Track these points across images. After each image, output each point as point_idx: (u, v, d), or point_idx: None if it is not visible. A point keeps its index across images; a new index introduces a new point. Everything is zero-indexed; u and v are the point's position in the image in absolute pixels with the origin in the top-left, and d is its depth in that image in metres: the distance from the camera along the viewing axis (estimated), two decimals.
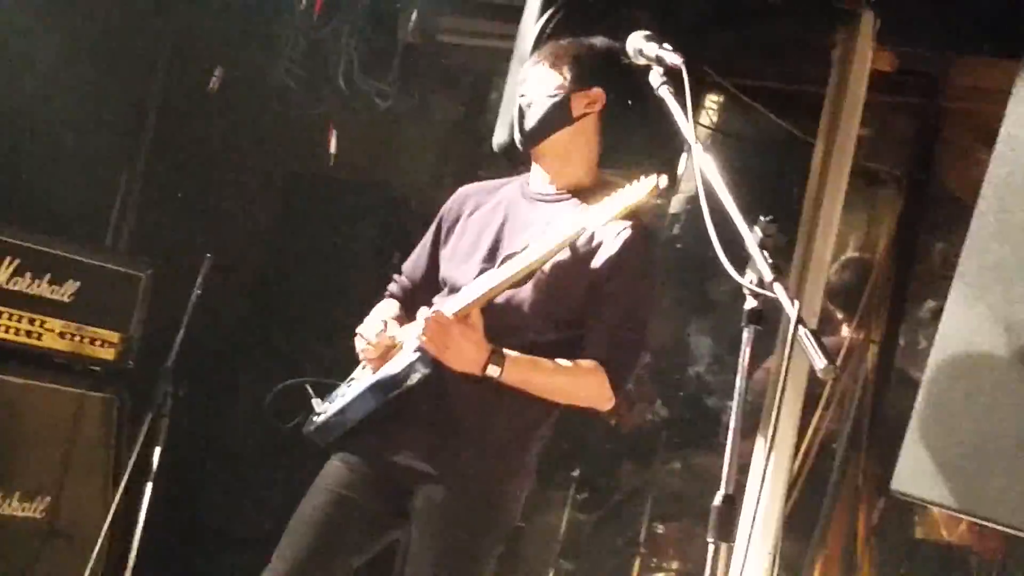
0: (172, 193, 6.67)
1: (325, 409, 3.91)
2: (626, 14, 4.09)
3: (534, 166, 3.89)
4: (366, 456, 3.80)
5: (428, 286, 3.96)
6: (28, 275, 5.31)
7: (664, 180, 3.14)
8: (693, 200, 3.16)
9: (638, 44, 3.37)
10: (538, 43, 4.50)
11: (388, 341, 3.79)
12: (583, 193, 3.77)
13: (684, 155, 4.61)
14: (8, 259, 5.26)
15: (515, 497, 3.79)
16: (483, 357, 3.55)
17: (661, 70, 3.28)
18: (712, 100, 6.34)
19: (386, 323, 3.82)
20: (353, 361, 3.97)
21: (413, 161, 6.79)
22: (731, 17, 5.19)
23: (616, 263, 3.64)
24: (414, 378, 3.66)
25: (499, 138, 4.64)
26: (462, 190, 4.05)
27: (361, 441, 3.81)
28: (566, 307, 3.68)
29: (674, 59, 3.26)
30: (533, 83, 3.80)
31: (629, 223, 3.65)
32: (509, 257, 3.64)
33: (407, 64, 6.27)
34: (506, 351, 3.58)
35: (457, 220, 3.96)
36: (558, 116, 3.75)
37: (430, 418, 3.71)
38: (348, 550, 3.80)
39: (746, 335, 2.76)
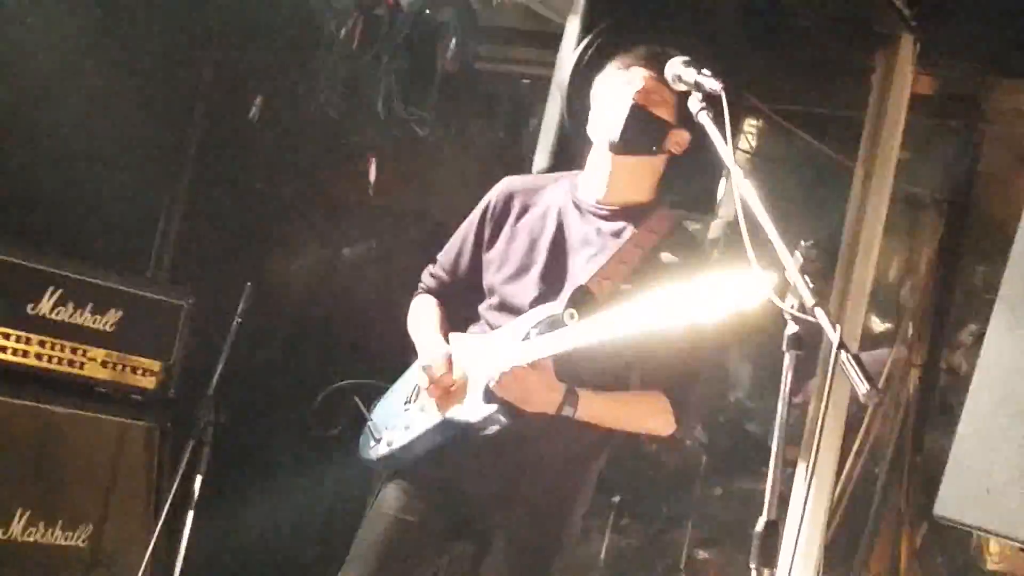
0: (213, 222, 6.70)
1: (387, 439, 3.85)
2: (666, 39, 4.08)
3: (590, 171, 3.83)
4: (428, 484, 3.77)
5: (469, 284, 3.90)
6: (70, 305, 5.35)
7: (773, 281, 3.06)
8: (733, 225, 3.15)
9: (677, 70, 3.37)
10: (577, 69, 4.50)
11: (452, 381, 3.71)
12: (636, 212, 3.74)
13: (723, 180, 4.60)
14: (51, 289, 5.30)
15: (577, 519, 3.81)
16: (558, 400, 3.55)
17: (700, 95, 3.28)
18: (751, 125, 6.33)
19: (450, 359, 3.73)
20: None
21: (453, 188, 6.79)
22: (770, 41, 5.18)
23: None
24: (492, 429, 3.62)
25: (539, 164, 4.64)
26: (505, 186, 3.94)
27: (423, 470, 3.78)
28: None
29: (713, 85, 3.25)
30: (651, 94, 3.68)
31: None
32: (581, 295, 3.58)
33: (446, 92, 6.28)
34: (578, 390, 3.58)
35: (504, 221, 3.87)
36: (652, 142, 3.72)
37: (496, 448, 3.67)
38: (412, 574, 3.79)
39: (787, 360, 2.74)
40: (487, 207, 3.92)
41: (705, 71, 3.30)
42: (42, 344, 5.28)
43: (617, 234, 3.71)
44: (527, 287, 3.72)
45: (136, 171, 6.31)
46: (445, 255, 4.03)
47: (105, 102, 6.08)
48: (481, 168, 6.84)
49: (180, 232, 6.68)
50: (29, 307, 5.24)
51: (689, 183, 4.44)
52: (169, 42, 6.42)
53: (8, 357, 5.18)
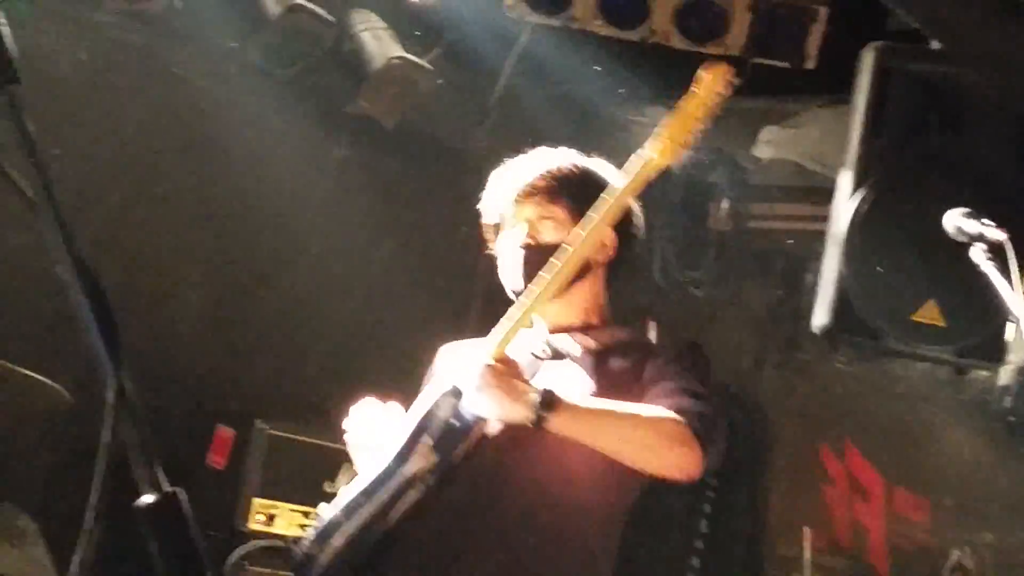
0: None
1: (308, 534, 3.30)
2: (942, 189, 4.05)
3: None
4: None
5: None
6: None
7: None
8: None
9: (957, 222, 3.34)
10: (852, 224, 4.48)
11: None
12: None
13: (1011, 325, 4.50)
14: (345, 466, 5.45)
15: None
16: (531, 399, 2.98)
17: (984, 245, 3.23)
18: None
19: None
20: None
21: (731, 347, 6.80)
22: None
23: (676, 354, 3.35)
24: (444, 406, 3.14)
25: (819, 320, 4.61)
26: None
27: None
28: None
29: (996, 235, 3.20)
30: (538, 224, 3.39)
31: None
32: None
33: (720, 252, 6.32)
34: (558, 391, 3.03)
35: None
36: None
37: (487, 542, 3.19)
38: None
39: None
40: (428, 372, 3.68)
41: (987, 221, 3.26)
42: None
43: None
44: None
45: (419, 349, 6.48)
46: None
47: (388, 286, 6.31)
48: (759, 325, 6.84)
49: None
50: (326, 485, 5.40)
51: (973, 330, 4.38)
52: (447, 223, 6.62)
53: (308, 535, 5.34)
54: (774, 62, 5.63)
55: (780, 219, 6.53)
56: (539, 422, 2.97)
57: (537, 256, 3.29)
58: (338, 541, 3.19)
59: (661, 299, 6.43)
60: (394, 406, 3.45)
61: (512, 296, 3.37)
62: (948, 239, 3.38)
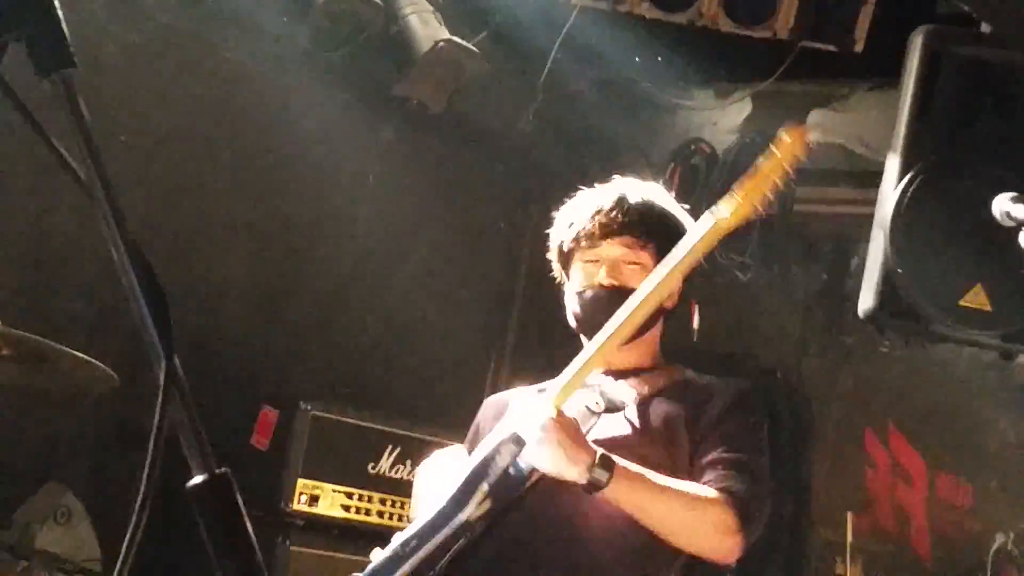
0: (540, 379, 6.81)
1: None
2: (990, 174, 4.02)
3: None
4: None
5: None
6: (408, 463, 5.51)
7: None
8: None
9: (1005, 207, 3.31)
10: (899, 208, 4.46)
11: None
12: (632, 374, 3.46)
13: None
14: (390, 447, 5.48)
15: None
16: (588, 459, 3.01)
17: None
18: None
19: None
20: None
21: (776, 331, 6.77)
22: None
23: (727, 407, 3.33)
24: (504, 454, 3.09)
25: (865, 304, 4.59)
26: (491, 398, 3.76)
27: None
28: (676, 457, 3.25)
29: None
30: (621, 265, 3.41)
31: (738, 382, 3.41)
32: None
33: (766, 236, 6.29)
34: (615, 457, 3.05)
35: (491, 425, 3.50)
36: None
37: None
38: None
39: None
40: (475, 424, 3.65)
41: None
42: (383, 502, 5.45)
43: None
44: None
45: (463, 329, 6.50)
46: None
47: (433, 268, 6.32)
48: (804, 310, 6.81)
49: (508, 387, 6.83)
50: (370, 466, 5.43)
51: (1020, 316, 4.35)
52: (492, 207, 6.63)
53: (351, 516, 5.38)
54: (822, 45, 5.61)
55: (827, 203, 6.49)
56: (591, 487, 2.99)
57: (618, 300, 3.24)
58: None
59: (706, 282, 6.40)
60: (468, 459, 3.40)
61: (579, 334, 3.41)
62: (996, 224, 3.35)
